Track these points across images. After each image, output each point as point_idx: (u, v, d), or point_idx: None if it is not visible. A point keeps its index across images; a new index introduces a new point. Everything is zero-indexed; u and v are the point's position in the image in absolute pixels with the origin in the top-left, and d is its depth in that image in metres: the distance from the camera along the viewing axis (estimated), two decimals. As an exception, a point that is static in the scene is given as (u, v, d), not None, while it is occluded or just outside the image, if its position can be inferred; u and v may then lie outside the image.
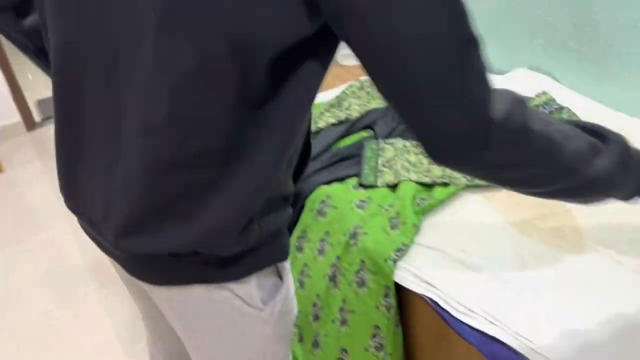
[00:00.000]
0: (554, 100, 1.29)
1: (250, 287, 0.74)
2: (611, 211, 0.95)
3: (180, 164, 0.63)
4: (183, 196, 0.64)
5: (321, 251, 1.01)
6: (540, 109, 1.26)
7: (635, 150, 0.69)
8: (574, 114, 1.22)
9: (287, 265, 0.80)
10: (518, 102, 0.57)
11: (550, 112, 1.25)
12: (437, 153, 0.59)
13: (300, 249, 1.05)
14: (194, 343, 0.82)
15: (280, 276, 0.79)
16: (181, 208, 0.65)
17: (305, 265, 1.03)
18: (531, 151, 0.59)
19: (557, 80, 1.41)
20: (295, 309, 0.90)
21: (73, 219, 2.49)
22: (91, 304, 2.04)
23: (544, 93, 1.31)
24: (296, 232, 1.07)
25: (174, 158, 0.62)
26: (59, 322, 1.96)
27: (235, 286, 0.73)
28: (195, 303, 0.75)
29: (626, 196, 0.71)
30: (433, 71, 0.53)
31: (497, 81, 1.39)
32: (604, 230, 0.92)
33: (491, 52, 1.55)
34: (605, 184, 0.66)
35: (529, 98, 1.30)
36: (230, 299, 0.74)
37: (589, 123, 0.67)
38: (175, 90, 0.59)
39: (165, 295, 0.76)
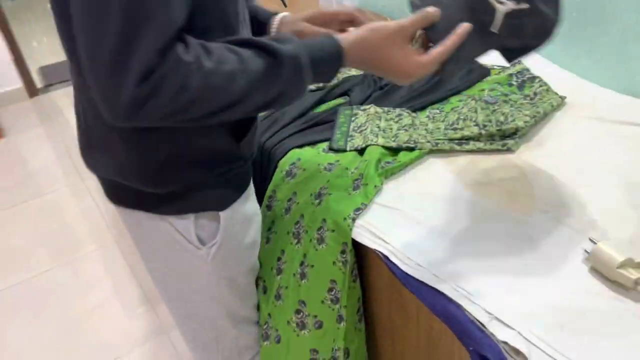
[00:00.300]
0: (527, 69, 1.31)
1: (189, 225, 0.81)
2: (563, 178, 0.99)
3: (79, 92, 0.71)
4: (96, 129, 0.73)
5: (288, 210, 1.06)
6: (514, 77, 1.29)
7: (310, 49, 0.69)
8: (545, 84, 1.24)
9: (226, 215, 0.85)
10: (180, 64, 0.58)
11: (523, 81, 1.27)
12: (108, 114, 0.60)
13: (269, 207, 1.11)
14: (149, 266, 0.91)
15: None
16: (100, 140, 0.74)
17: (273, 222, 1.09)
18: (198, 103, 0.61)
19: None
20: (247, 260, 0.96)
21: (74, 183, 2.56)
22: (90, 265, 2.11)
23: (519, 62, 1.33)
24: (268, 192, 1.12)
25: (77, 85, 0.71)
26: (58, 282, 2.04)
27: (174, 220, 0.81)
28: (144, 229, 0.83)
29: (316, 83, 0.73)
30: (99, 37, 0.55)
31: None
32: (556, 195, 0.96)
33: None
34: (286, 95, 0.69)
35: (505, 68, 1.33)
36: (172, 232, 0.82)
37: (264, 41, 0.67)
38: (58, 20, 0.66)
39: (122, 217, 0.85)
